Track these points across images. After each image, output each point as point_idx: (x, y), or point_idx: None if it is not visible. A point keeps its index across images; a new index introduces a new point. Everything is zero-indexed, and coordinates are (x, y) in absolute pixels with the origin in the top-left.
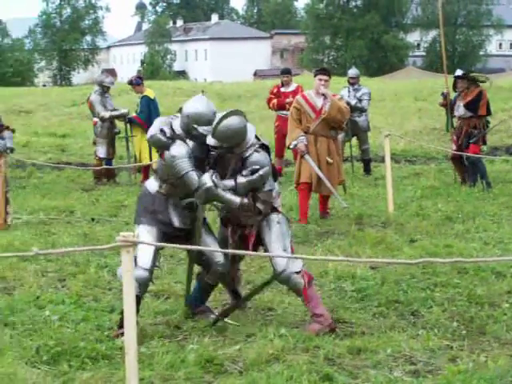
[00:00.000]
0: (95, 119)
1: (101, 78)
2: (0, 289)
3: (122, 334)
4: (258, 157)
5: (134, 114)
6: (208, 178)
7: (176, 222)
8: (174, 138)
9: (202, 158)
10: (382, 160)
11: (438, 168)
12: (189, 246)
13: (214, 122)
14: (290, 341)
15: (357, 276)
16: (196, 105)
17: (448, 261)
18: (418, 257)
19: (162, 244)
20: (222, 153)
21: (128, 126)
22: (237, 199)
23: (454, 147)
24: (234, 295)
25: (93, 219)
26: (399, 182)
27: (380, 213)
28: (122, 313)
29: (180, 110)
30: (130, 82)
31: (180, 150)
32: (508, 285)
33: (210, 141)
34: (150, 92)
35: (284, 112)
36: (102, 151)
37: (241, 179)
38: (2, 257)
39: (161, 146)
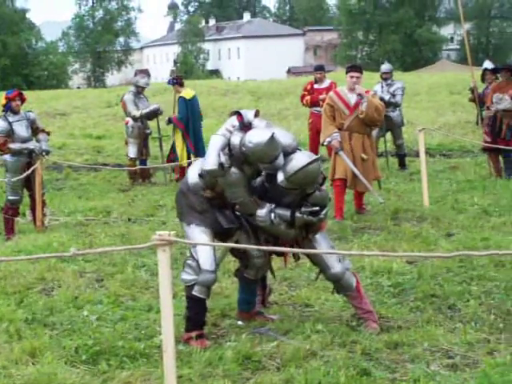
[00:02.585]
0: (127, 119)
1: (136, 79)
2: (39, 290)
3: (192, 337)
4: (320, 196)
5: (174, 115)
6: (266, 216)
7: (224, 223)
8: (230, 164)
9: (254, 176)
10: (417, 154)
11: (474, 161)
12: (243, 246)
13: (294, 169)
14: (327, 336)
15: (393, 271)
16: (262, 143)
17: (484, 253)
18: (455, 250)
19: (220, 244)
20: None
21: (159, 125)
22: (291, 233)
23: (488, 139)
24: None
25: (129, 219)
26: (435, 176)
27: (416, 207)
28: (187, 317)
29: (233, 114)
30: (168, 82)
31: (236, 181)
32: None
33: (282, 182)
34: (186, 93)
35: (317, 109)
36: (132, 151)
37: (299, 216)
38: (41, 258)
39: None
